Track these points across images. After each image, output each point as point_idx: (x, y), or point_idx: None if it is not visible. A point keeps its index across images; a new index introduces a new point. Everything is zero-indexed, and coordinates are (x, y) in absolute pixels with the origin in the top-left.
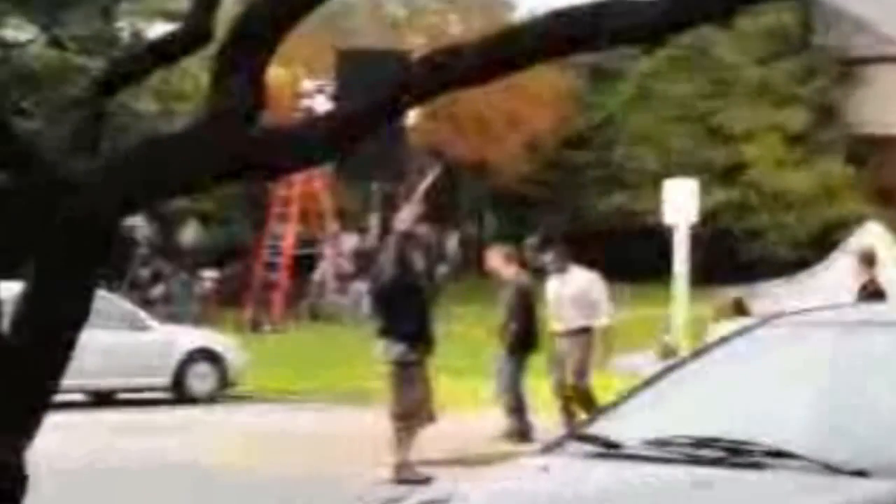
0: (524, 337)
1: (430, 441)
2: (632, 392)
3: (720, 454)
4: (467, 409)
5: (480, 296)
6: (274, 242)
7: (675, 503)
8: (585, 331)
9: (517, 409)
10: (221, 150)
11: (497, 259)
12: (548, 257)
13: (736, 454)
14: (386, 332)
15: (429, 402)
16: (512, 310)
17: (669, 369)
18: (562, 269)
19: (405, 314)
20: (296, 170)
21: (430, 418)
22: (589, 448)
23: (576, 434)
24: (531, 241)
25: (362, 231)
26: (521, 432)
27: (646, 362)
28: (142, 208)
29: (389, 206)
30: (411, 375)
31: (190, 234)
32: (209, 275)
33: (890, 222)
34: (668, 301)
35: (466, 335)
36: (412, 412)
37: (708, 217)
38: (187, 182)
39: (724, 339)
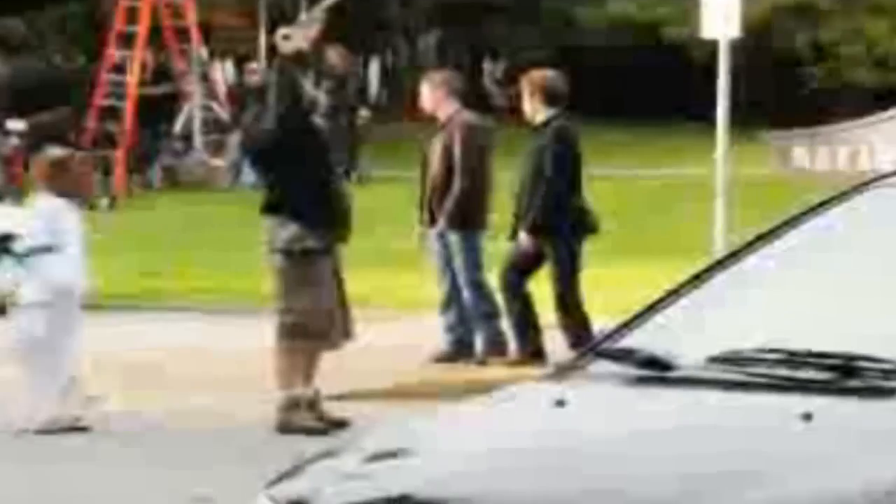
0: (471, 206)
1: (349, 367)
2: (677, 290)
3: (828, 375)
4: (409, 315)
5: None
6: (114, 77)
7: (775, 451)
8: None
9: (486, 313)
10: None
11: (434, 92)
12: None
13: (851, 375)
14: (271, 208)
15: (340, 310)
16: (447, 165)
17: (730, 257)
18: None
19: (296, 179)
20: None
21: (345, 334)
22: (623, 369)
23: (601, 350)
24: (491, 67)
25: (244, 59)
26: (494, 345)
27: None
28: None
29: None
30: (309, 271)
31: None
32: (14, 126)
33: None
34: (700, 161)
35: (399, 207)
36: (310, 326)
37: (756, 28)
38: None
39: (806, 213)
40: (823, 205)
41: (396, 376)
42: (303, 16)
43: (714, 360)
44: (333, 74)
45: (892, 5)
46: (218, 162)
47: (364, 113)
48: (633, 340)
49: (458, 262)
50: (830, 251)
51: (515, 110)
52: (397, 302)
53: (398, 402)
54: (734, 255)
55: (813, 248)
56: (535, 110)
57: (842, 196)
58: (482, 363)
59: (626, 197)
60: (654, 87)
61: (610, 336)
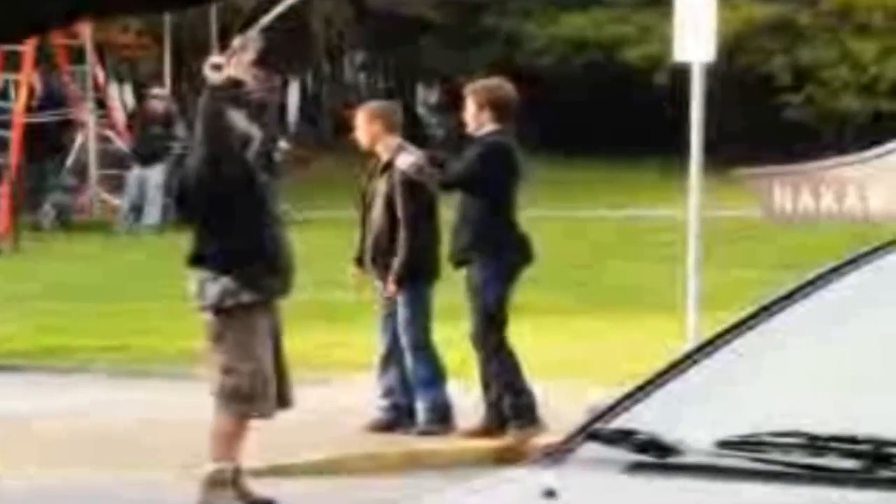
0: (417, 258)
1: (274, 437)
2: (679, 362)
3: (856, 463)
4: (342, 377)
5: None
6: None
7: None
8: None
9: (427, 378)
10: None
11: (370, 125)
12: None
13: (882, 462)
14: (199, 259)
15: (276, 373)
16: (390, 215)
17: (739, 326)
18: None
19: (228, 227)
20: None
21: (282, 402)
22: (619, 454)
23: (594, 431)
24: (425, 93)
25: (146, 82)
26: (437, 414)
27: None
28: None
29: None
30: (245, 328)
31: None
32: None
33: None
34: (666, 200)
35: (330, 253)
36: (249, 390)
37: (728, 48)
38: None
39: (821, 277)
40: (839, 269)
41: (327, 448)
42: (236, 39)
43: (724, 444)
44: (248, 101)
45: (881, 25)
46: (116, 200)
47: (284, 145)
48: (631, 420)
49: (403, 317)
50: (853, 321)
51: (454, 140)
52: (329, 362)
53: (329, 478)
54: (743, 324)
55: (833, 318)
56: (481, 123)
57: (860, 259)
58: (424, 433)
59: (580, 240)
60: (611, 115)
61: (604, 414)
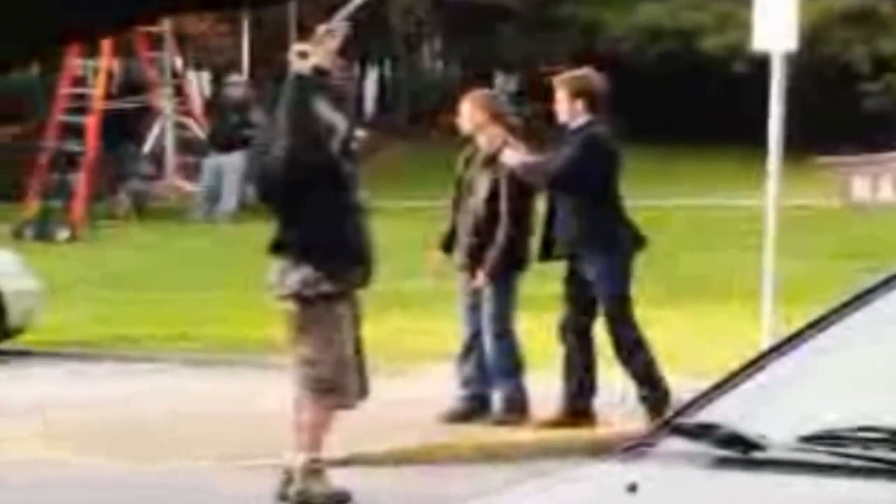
0: (514, 250)
1: (361, 426)
2: (761, 357)
3: None
4: (433, 366)
5: (429, 168)
6: (75, 90)
7: None
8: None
9: (507, 368)
10: None
11: (476, 113)
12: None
13: None
14: (281, 247)
15: (357, 364)
16: (493, 205)
17: (822, 319)
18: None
19: (311, 216)
20: None
21: (361, 392)
22: (702, 448)
23: (676, 425)
24: (503, 81)
25: (223, 69)
26: (514, 404)
27: None
28: None
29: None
30: (326, 318)
31: None
32: None
33: None
34: (746, 190)
35: (407, 242)
36: (335, 380)
37: (808, 38)
38: None
39: None
40: None
41: (402, 438)
42: (321, 27)
43: (807, 439)
44: (331, 89)
45: None
46: (193, 188)
47: (361, 133)
48: (713, 414)
49: (490, 308)
50: None
51: (532, 130)
52: (405, 351)
53: (404, 468)
54: (824, 320)
55: None
56: (574, 114)
57: None
58: (500, 423)
59: (657, 230)
60: (690, 103)
61: (686, 408)
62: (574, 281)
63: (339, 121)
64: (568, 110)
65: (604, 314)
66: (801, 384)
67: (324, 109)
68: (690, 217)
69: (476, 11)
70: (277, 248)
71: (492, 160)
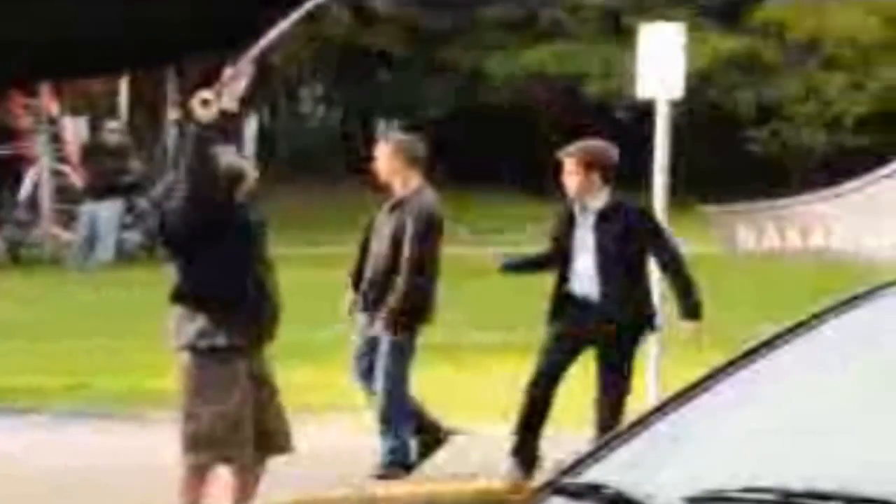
0: (417, 303)
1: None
2: (650, 414)
3: None
4: (348, 419)
5: (320, 212)
6: None
7: None
8: None
9: (406, 418)
10: None
11: (392, 160)
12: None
13: None
14: (180, 296)
15: (274, 420)
16: (395, 252)
17: (714, 376)
18: None
19: (210, 265)
20: None
21: (279, 448)
22: None
23: (561, 485)
24: (385, 127)
25: (101, 115)
26: (396, 457)
27: None
28: None
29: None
30: (217, 373)
31: None
32: None
33: None
34: None
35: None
36: (204, 435)
37: (692, 83)
38: None
39: (802, 325)
40: (820, 315)
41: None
42: (227, 71)
43: (693, 500)
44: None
45: (848, 59)
46: (69, 236)
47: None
48: (598, 474)
49: (382, 363)
50: (832, 370)
51: None
52: (305, 403)
53: None
54: (719, 374)
55: (811, 367)
56: (596, 189)
57: (842, 306)
58: (381, 477)
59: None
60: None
61: (571, 468)
62: None
63: (247, 167)
64: (584, 184)
65: None
66: (689, 442)
67: (230, 156)
68: None
69: (358, 56)
70: (177, 296)
71: (398, 205)
